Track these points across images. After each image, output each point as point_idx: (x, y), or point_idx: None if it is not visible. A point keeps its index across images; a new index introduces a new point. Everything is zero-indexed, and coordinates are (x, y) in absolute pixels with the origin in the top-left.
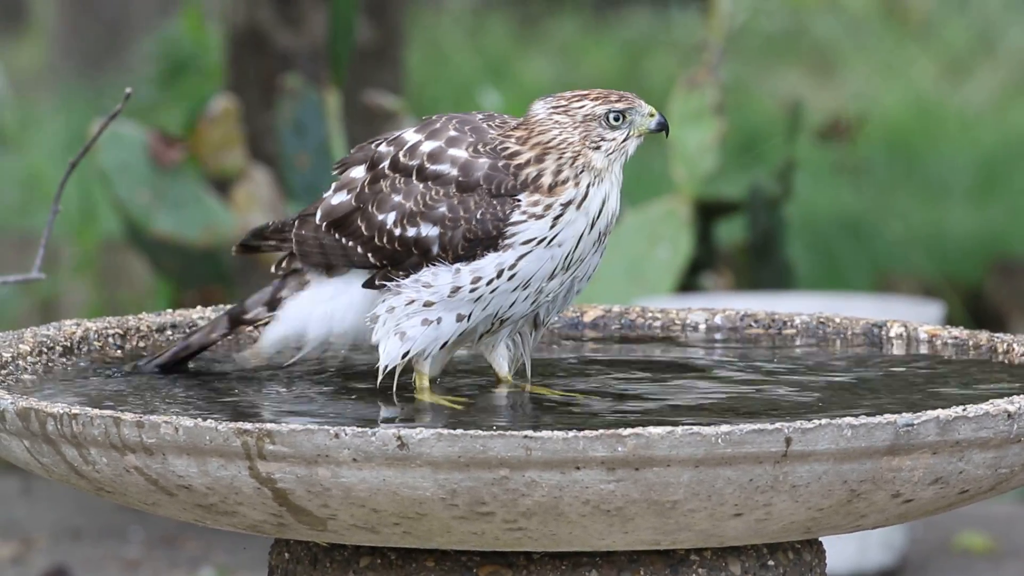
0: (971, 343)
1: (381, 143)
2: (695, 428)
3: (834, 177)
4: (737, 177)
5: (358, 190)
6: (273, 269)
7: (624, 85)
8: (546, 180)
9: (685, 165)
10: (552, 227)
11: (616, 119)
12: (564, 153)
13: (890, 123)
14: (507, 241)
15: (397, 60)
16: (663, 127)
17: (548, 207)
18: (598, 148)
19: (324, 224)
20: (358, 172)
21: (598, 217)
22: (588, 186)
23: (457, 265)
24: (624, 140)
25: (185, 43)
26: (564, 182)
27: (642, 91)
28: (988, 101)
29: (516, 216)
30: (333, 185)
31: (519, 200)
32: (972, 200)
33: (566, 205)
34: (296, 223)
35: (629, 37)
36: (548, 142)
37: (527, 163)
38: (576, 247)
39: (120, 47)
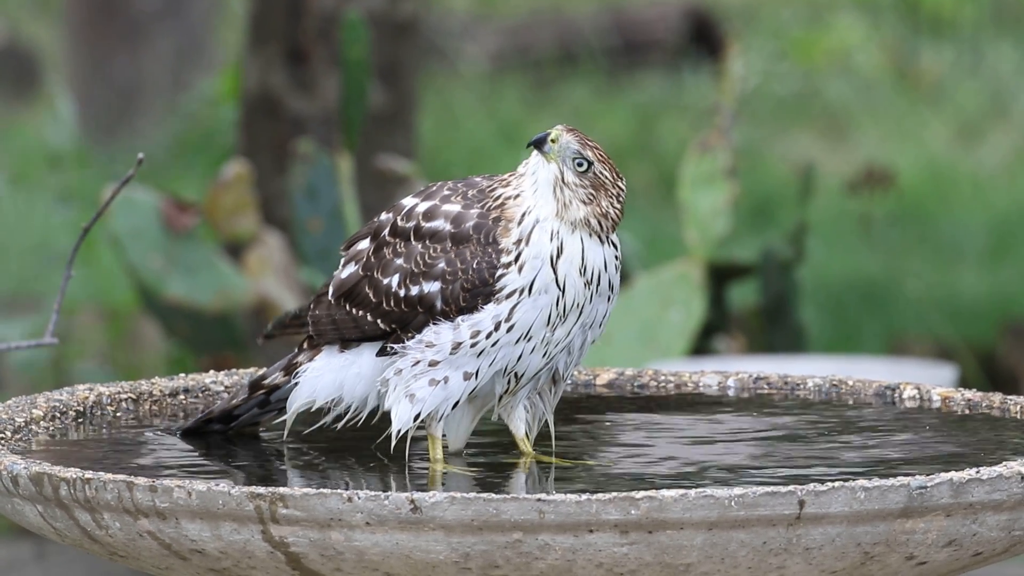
0: (984, 405)
1: (382, 214)
2: (708, 491)
3: (850, 238)
4: (750, 240)
5: (364, 260)
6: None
7: (636, 148)
8: (497, 203)
9: (697, 228)
10: (520, 272)
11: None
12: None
13: (903, 186)
14: (499, 293)
15: (409, 125)
16: (533, 142)
17: (509, 252)
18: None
19: (335, 298)
20: (364, 244)
21: (557, 258)
22: (524, 215)
23: (458, 320)
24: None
25: (212, 107)
26: (507, 208)
27: (654, 155)
28: (1001, 164)
29: (501, 270)
30: (342, 260)
31: (501, 248)
32: (985, 263)
33: (518, 243)
34: (312, 305)
35: (641, 101)
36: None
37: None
38: (563, 293)
39: (133, 113)
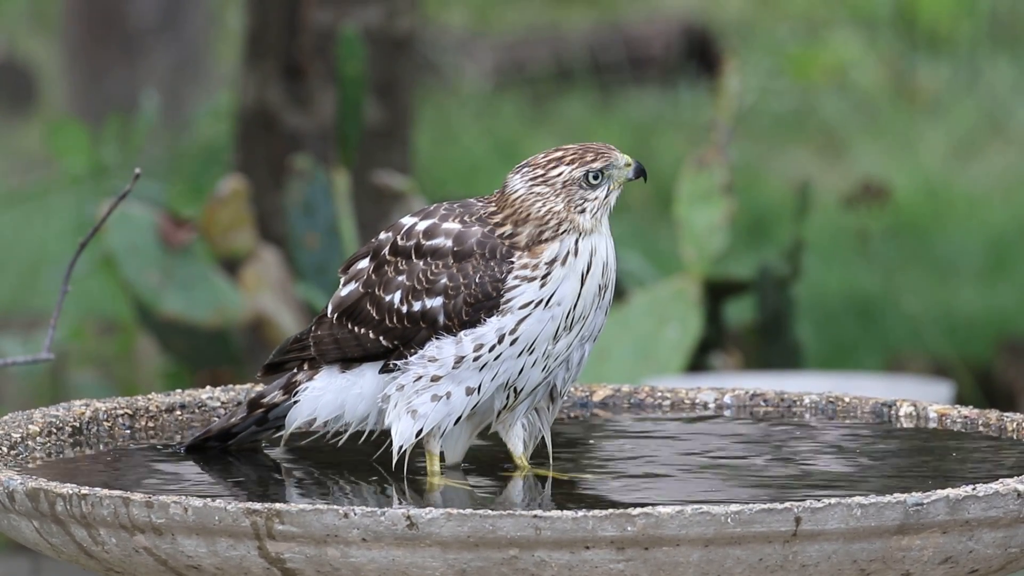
0: (980, 422)
1: (381, 233)
2: (704, 507)
3: (846, 255)
4: (746, 257)
5: (364, 278)
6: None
7: None
8: (523, 241)
9: (694, 245)
10: (543, 286)
11: (595, 178)
12: (549, 222)
13: (899, 202)
14: (506, 305)
15: (406, 141)
16: (640, 173)
17: (536, 267)
18: (583, 211)
19: (336, 316)
20: (363, 263)
21: (587, 271)
22: (577, 242)
23: (460, 335)
24: (606, 196)
25: (210, 122)
26: (544, 241)
27: (650, 171)
28: (997, 180)
29: (511, 281)
30: (342, 279)
31: (513, 262)
32: (981, 280)
33: (551, 263)
34: (314, 327)
35: (637, 117)
36: (532, 215)
37: (507, 229)
38: (576, 304)
39: (130, 128)
